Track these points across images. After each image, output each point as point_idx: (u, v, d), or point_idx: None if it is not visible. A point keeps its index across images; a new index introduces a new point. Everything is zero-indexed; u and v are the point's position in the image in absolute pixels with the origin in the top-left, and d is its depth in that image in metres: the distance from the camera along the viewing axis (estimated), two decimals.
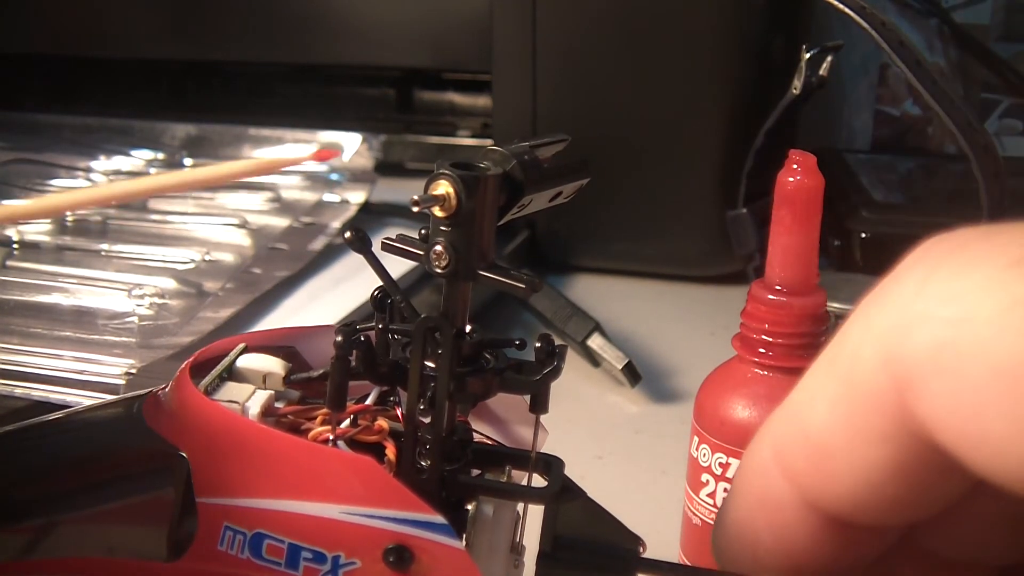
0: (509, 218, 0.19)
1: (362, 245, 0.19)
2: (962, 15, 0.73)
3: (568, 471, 0.20)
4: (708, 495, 0.30)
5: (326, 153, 0.63)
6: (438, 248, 0.18)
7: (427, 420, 0.19)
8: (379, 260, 0.19)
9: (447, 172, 0.17)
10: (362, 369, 0.18)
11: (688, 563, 0.31)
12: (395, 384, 0.19)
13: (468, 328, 0.19)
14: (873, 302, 0.17)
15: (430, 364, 0.18)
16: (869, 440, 0.16)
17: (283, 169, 0.62)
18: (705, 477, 0.30)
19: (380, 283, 0.20)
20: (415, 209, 0.17)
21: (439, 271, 0.18)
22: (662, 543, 0.27)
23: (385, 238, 0.19)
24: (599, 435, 0.45)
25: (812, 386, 0.17)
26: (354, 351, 0.18)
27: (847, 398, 0.16)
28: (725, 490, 0.29)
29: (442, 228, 0.18)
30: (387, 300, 0.20)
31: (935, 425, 0.15)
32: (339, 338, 0.18)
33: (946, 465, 0.15)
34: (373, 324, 0.20)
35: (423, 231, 0.19)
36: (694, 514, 0.31)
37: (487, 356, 0.19)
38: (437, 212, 0.18)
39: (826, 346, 0.18)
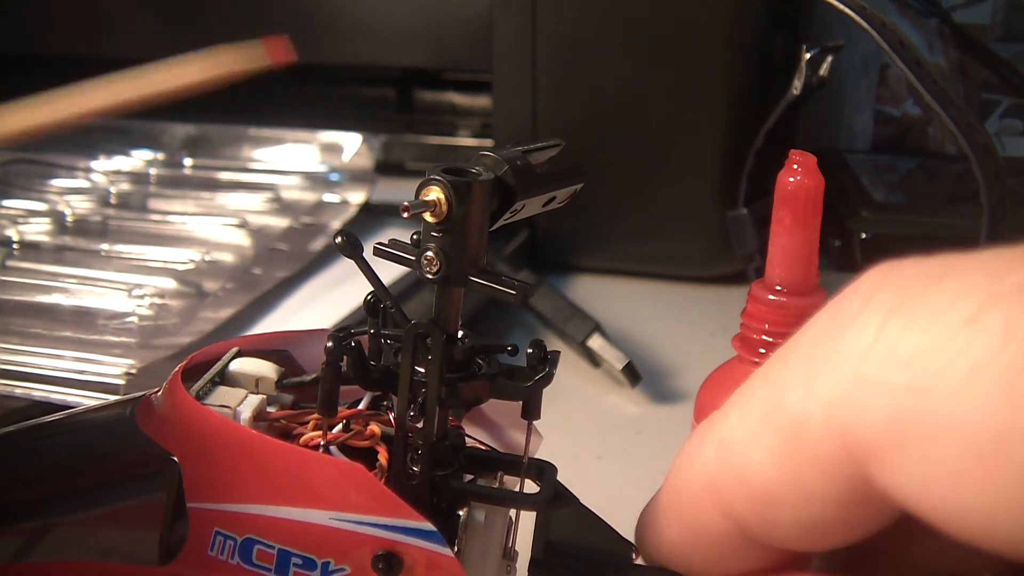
0: (502, 223, 0.19)
1: (352, 250, 0.19)
2: (962, 15, 0.73)
3: (568, 471, 0.20)
4: None
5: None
6: (429, 254, 0.18)
7: (419, 425, 0.19)
8: (370, 265, 0.19)
9: (438, 177, 0.17)
10: (352, 375, 0.18)
11: None
12: (386, 389, 0.19)
13: (460, 333, 0.19)
14: (816, 349, 0.16)
15: (421, 370, 0.18)
16: (822, 500, 0.16)
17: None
18: None
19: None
20: (405, 215, 0.17)
21: (430, 277, 0.18)
22: None
23: (377, 243, 0.19)
24: (599, 435, 0.45)
25: (747, 430, 0.17)
26: (344, 357, 0.18)
27: (794, 458, 0.16)
28: None
29: (433, 234, 0.18)
30: (380, 304, 0.20)
31: (906, 497, 0.15)
32: (330, 344, 0.18)
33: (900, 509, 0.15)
34: (367, 328, 0.20)
35: (415, 236, 0.19)
36: None
37: (479, 361, 0.19)
38: (428, 218, 0.18)
39: (756, 376, 0.17)
